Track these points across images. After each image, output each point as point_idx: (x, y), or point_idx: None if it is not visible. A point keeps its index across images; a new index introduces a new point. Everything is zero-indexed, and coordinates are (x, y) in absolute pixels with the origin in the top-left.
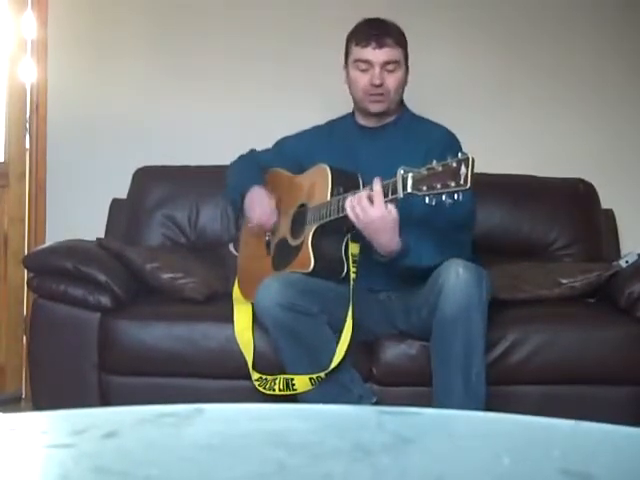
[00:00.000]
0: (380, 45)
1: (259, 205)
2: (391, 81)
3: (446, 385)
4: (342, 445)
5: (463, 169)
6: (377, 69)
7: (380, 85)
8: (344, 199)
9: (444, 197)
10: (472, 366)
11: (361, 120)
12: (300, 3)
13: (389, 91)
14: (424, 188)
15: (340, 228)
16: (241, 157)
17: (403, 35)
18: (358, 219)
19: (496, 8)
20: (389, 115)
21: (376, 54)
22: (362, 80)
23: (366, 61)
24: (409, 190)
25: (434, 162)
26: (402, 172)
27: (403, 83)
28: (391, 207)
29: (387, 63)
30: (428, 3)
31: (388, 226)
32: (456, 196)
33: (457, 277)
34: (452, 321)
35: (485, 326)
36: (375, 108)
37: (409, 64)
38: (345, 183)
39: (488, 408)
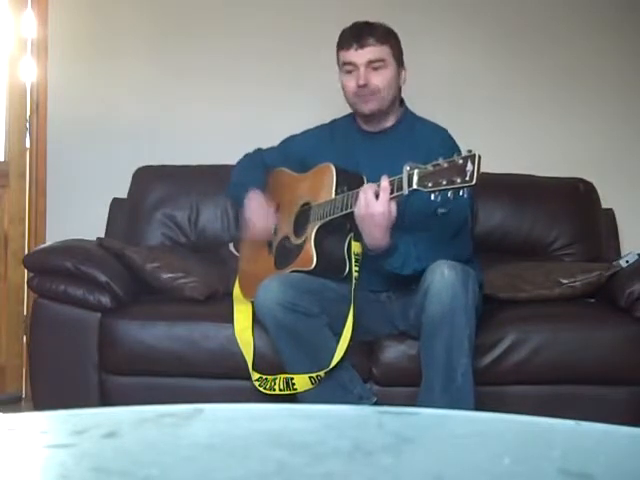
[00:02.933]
0: (361, 45)
1: (256, 215)
2: (378, 79)
3: (427, 385)
4: (342, 445)
5: (469, 166)
6: (361, 69)
7: (365, 85)
8: (348, 197)
9: (449, 194)
10: (456, 367)
11: (361, 124)
12: (300, 3)
13: (378, 89)
14: (429, 184)
15: (343, 227)
16: (247, 156)
17: (391, 33)
18: (360, 210)
19: (496, 8)
20: (387, 117)
21: (358, 54)
22: (350, 83)
23: (350, 63)
24: (415, 186)
25: (440, 159)
26: (408, 168)
27: (393, 81)
28: (393, 206)
29: (371, 62)
30: (428, 3)
31: (385, 223)
32: (461, 192)
33: (442, 278)
34: (436, 321)
35: (472, 327)
36: (366, 108)
37: (405, 62)
38: (350, 182)
39: (487, 408)
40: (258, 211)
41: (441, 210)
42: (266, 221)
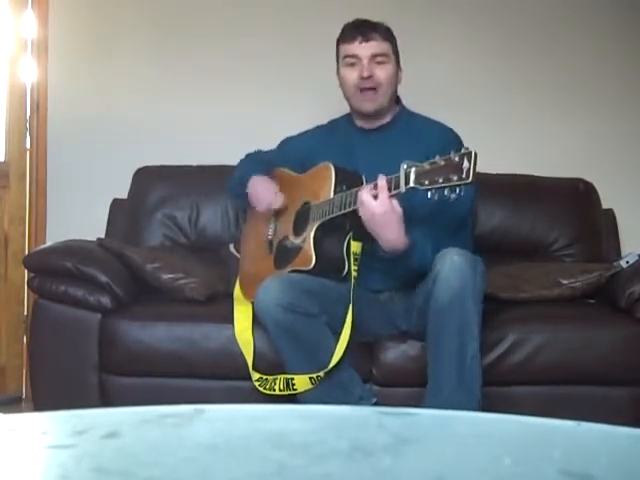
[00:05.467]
0: (367, 39)
1: (262, 187)
2: (381, 73)
3: (440, 370)
4: (342, 446)
5: (466, 163)
6: (365, 61)
7: (369, 77)
8: (347, 196)
9: (446, 191)
10: (467, 349)
11: (358, 122)
12: (300, 3)
13: (380, 84)
14: (426, 182)
15: (342, 226)
16: (248, 155)
17: (391, 32)
18: (364, 215)
19: (495, 9)
20: (384, 115)
21: (363, 47)
22: (352, 76)
23: (354, 56)
24: (412, 184)
25: (437, 157)
26: (405, 167)
27: (394, 78)
28: (395, 203)
29: (375, 56)
30: (428, 4)
31: (392, 221)
32: (458, 190)
33: (452, 263)
34: (447, 306)
35: (480, 311)
36: (367, 107)
37: (401, 63)
38: (349, 181)
39: (488, 408)
40: (263, 184)
41: (453, 196)
42: (271, 192)
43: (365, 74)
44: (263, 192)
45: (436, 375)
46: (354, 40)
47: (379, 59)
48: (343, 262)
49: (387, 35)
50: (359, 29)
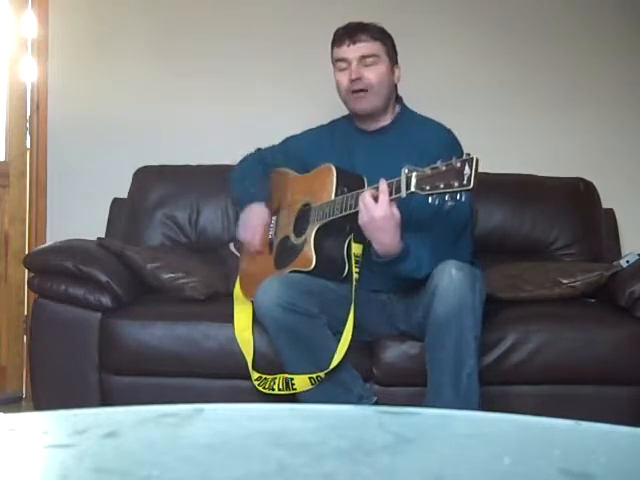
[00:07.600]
0: (354, 41)
1: (250, 226)
2: (371, 75)
3: (436, 386)
4: (342, 445)
5: (467, 169)
6: (354, 64)
7: (358, 79)
8: (348, 198)
9: (447, 197)
10: (463, 367)
11: (357, 123)
12: (300, 3)
13: (371, 85)
14: (427, 187)
15: (343, 227)
16: (247, 158)
17: (384, 32)
18: (362, 218)
19: (496, 9)
20: (383, 116)
21: (351, 50)
22: (343, 79)
23: (343, 59)
24: (412, 189)
25: (438, 162)
26: (406, 171)
27: (387, 77)
28: (394, 208)
29: (364, 57)
30: (428, 4)
31: (390, 226)
32: (459, 196)
33: (450, 278)
34: (444, 322)
35: (478, 327)
36: (359, 106)
37: (402, 63)
38: (350, 183)
39: (488, 408)
40: (250, 225)
41: (450, 203)
42: (253, 238)
43: (353, 76)
44: (248, 230)
45: (433, 390)
46: (343, 43)
47: (368, 60)
48: (343, 264)
49: (378, 35)
50: (348, 32)
